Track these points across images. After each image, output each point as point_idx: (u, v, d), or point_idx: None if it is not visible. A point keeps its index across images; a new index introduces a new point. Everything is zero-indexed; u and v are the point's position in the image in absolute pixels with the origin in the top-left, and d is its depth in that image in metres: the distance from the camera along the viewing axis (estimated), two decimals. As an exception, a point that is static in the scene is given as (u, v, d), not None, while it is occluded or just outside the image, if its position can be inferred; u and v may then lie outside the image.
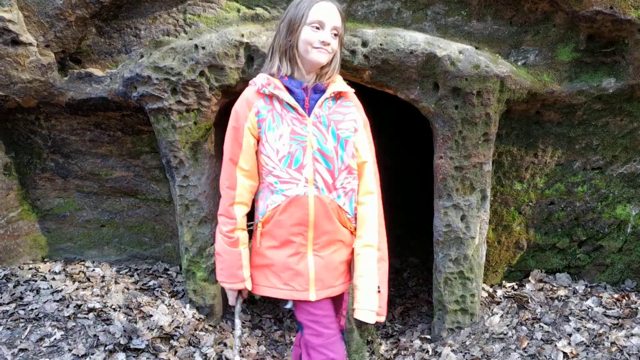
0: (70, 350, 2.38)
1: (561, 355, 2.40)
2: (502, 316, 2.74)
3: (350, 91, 1.86)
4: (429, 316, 3.07)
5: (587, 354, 2.39)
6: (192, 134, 2.59)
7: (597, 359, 2.35)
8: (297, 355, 2.23)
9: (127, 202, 3.23)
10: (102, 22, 2.59)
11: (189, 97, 2.50)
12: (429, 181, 2.75)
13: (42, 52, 2.57)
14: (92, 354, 2.36)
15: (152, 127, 2.66)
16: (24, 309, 2.65)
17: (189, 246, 2.77)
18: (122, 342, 2.46)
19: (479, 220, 2.60)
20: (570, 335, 2.52)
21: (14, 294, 2.77)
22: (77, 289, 2.89)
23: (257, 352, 2.75)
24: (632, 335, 2.44)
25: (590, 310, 2.69)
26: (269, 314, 3.21)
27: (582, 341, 2.46)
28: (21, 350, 2.36)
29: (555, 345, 2.46)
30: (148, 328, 2.61)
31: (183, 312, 2.82)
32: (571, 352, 2.40)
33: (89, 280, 3.03)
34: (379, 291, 1.79)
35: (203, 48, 2.43)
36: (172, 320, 2.73)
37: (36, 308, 2.66)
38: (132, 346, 2.46)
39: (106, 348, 2.40)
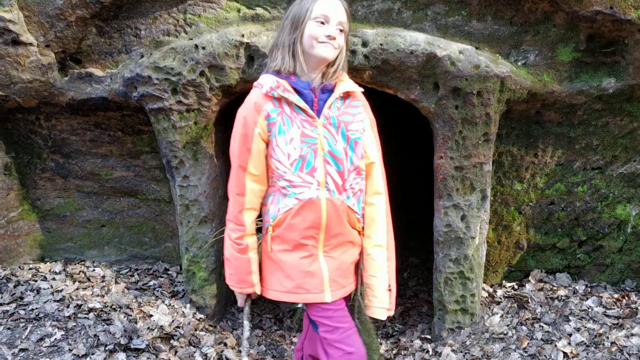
0: (70, 350, 2.38)
1: (561, 355, 2.40)
2: (502, 316, 2.74)
3: (359, 90, 1.83)
4: (429, 316, 3.07)
5: (587, 353, 2.39)
6: (193, 134, 2.59)
7: (597, 358, 2.35)
8: (298, 358, 2.23)
9: (128, 202, 3.23)
10: (103, 22, 2.59)
11: (189, 97, 2.51)
12: (429, 181, 2.75)
13: (42, 52, 2.57)
14: (93, 354, 2.36)
15: (152, 127, 2.66)
16: (24, 309, 2.65)
17: (189, 246, 2.77)
18: (122, 342, 2.46)
19: (479, 220, 2.60)
20: (570, 335, 2.52)
21: (14, 294, 2.77)
22: (77, 289, 2.89)
23: (258, 352, 2.75)
24: (632, 335, 2.45)
25: (590, 310, 2.69)
26: (269, 313, 3.21)
27: (582, 341, 2.46)
28: (21, 350, 2.36)
29: (556, 345, 2.46)
30: (148, 328, 2.62)
31: (183, 312, 2.82)
32: (571, 352, 2.40)
33: (89, 280, 3.04)
34: (389, 289, 1.84)
35: (203, 48, 2.43)
36: (173, 320, 2.73)
37: (36, 308, 2.66)
38: (132, 346, 2.46)
39: (106, 348, 2.41)
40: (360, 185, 1.81)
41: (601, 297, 2.78)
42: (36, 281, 2.93)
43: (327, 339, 1.80)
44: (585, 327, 2.56)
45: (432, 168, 2.58)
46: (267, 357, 2.75)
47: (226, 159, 3.00)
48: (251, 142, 1.72)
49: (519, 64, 2.49)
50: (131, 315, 2.70)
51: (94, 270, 3.16)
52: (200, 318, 2.81)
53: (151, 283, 3.08)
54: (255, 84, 1.79)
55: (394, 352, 2.77)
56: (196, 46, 2.44)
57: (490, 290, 2.97)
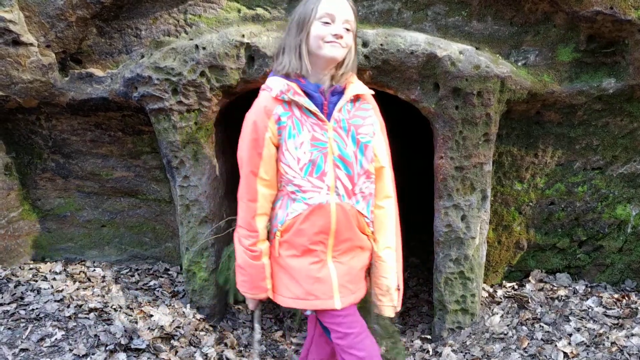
0: (71, 350, 2.38)
1: (561, 355, 2.40)
2: (502, 316, 2.74)
3: (369, 93, 1.81)
4: (430, 316, 3.07)
5: (587, 353, 2.40)
6: (193, 134, 2.59)
7: (597, 359, 2.35)
8: None
9: (128, 202, 3.23)
10: (103, 23, 2.59)
11: (190, 98, 2.51)
12: (429, 181, 2.75)
13: (43, 53, 2.57)
14: (93, 354, 2.37)
15: (152, 128, 2.66)
16: (24, 309, 2.65)
17: (190, 246, 2.77)
18: (122, 342, 2.46)
19: (480, 221, 2.60)
20: (570, 335, 2.53)
21: (15, 294, 2.77)
22: (77, 289, 2.89)
23: (258, 352, 2.75)
24: (633, 335, 2.45)
25: (590, 310, 2.69)
26: (270, 313, 3.21)
27: (583, 341, 2.47)
28: (22, 350, 2.37)
29: (556, 345, 2.46)
30: (149, 328, 2.62)
31: (184, 312, 2.82)
32: (571, 352, 2.41)
33: (89, 280, 3.04)
34: (398, 288, 1.86)
35: (204, 48, 2.43)
36: (173, 320, 2.73)
37: (37, 308, 2.66)
38: (132, 346, 2.47)
39: (107, 348, 2.41)
40: (370, 189, 1.79)
41: (601, 297, 2.79)
42: (36, 281, 2.93)
43: (339, 345, 1.80)
44: (586, 327, 2.56)
45: (432, 168, 2.58)
46: (267, 357, 2.75)
47: (226, 159, 3.00)
48: (262, 147, 1.69)
49: (519, 64, 2.49)
50: (131, 316, 2.70)
51: (94, 270, 3.16)
52: (201, 318, 2.82)
53: (151, 283, 3.08)
54: (263, 86, 1.75)
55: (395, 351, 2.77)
56: (196, 46, 2.44)
57: (491, 290, 2.97)
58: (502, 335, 2.62)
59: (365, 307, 1.93)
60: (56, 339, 2.46)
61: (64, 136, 2.99)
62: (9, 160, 3.08)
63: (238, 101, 2.84)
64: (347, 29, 1.66)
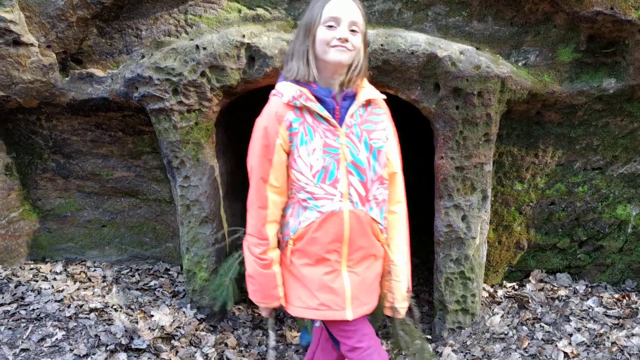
0: (71, 350, 2.38)
1: (562, 355, 2.41)
2: (502, 316, 2.74)
3: (381, 97, 1.77)
4: (430, 316, 3.07)
5: (587, 353, 2.40)
6: (193, 134, 2.59)
7: (597, 358, 2.35)
8: None
9: (128, 202, 3.23)
10: (104, 23, 2.59)
11: (190, 98, 2.51)
12: (429, 181, 2.75)
13: (43, 53, 2.57)
14: (94, 354, 2.37)
15: (153, 128, 2.66)
16: (25, 309, 2.65)
17: (190, 246, 2.77)
18: (123, 342, 2.46)
19: (480, 221, 2.61)
20: (570, 335, 2.53)
21: (15, 294, 2.77)
22: (78, 289, 2.89)
23: (259, 352, 2.75)
24: (633, 335, 2.45)
25: (590, 310, 2.69)
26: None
27: (583, 341, 2.47)
28: (23, 350, 2.37)
29: (556, 345, 2.46)
30: (149, 328, 2.62)
31: (184, 312, 2.82)
32: (572, 352, 2.41)
33: (90, 280, 3.04)
34: (408, 290, 1.87)
35: (204, 48, 2.43)
36: (173, 320, 2.73)
37: (37, 308, 2.66)
38: (133, 346, 2.47)
39: (107, 348, 2.41)
40: (384, 196, 1.76)
41: (602, 297, 2.79)
42: (37, 281, 2.93)
43: (349, 356, 1.78)
44: (586, 327, 2.56)
45: (433, 168, 2.58)
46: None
47: (227, 159, 3.00)
48: (273, 153, 1.65)
49: (520, 64, 2.49)
50: (132, 316, 2.70)
51: (94, 270, 3.16)
52: (201, 318, 2.82)
53: (152, 283, 3.08)
54: (273, 92, 1.72)
55: (395, 352, 2.77)
56: (197, 47, 2.44)
57: (491, 290, 2.97)
58: (502, 335, 2.62)
59: (380, 316, 1.92)
60: (57, 339, 2.46)
61: (65, 136, 2.99)
62: (10, 161, 3.08)
63: (238, 101, 2.84)
64: (354, 31, 1.61)
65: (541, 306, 2.75)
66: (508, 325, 2.67)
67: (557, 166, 2.76)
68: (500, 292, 2.94)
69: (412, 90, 2.43)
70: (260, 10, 2.53)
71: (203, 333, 2.74)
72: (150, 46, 2.61)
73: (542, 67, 2.49)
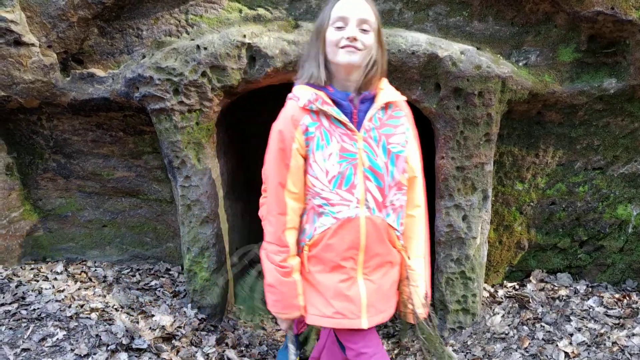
0: (72, 350, 2.38)
1: (562, 355, 2.41)
2: (503, 316, 2.74)
3: (401, 99, 1.72)
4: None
5: (588, 353, 2.40)
6: (194, 134, 2.59)
7: (598, 358, 2.35)
8: None
9: (129, 202, 3.23)
10: (104, 23, 2.59)
11: (191, 98, 2.51)
12: (430, 181, 2.75)
13: (44, 53, 2.57)
14: (95, 354, 2.37)
15: (154, 128, 2.67)
16: (26, 309, 2.65)
17: (191, 246, 2.77)
18: (124, 342, 2.47)
19: (481, 221, 2.61)
20: (571, 335, 2.53)
21: (16, 294, 2.77)
22: (79, 289, 2.89)
23: (259, 352, 2.75)
24: (634, 335, 2.45)
25: (591, 310, 2.69)
26: (271, 313, 3.21)
27: (584, 341, 2.47)
28: (24, 350, 2.37)
29: (557, 345, 2.46)
30: (150, 328, 2.62)
31: (185, 312, 2.82)
32: (572, 352, 2.41)
33: (90, 280, 3.04)
34: (426, 295, 1.81)
35: (205, 49, 2.43)
36: (174, 320, 2.73)
37: (38, 308, 2.66)
38: (134, 346, 2.47)
39: (108, 348, 2.41)
40: (401, 201, 1.71)
41: (602, 297, 2.79)
42: (38, 281, 2.93)
43: None
44: (587, 327, 2.56)
45: (434, 168, 2.58)
46: (268, 357, 2.75)
47: (228, 159, 3.01)
48: (289, 158, 1.61)
49: (520, 64, 2.49)
50: (133, 315, 2.70)
51: (95, 270, 3.16)
52: (202, 318, 2.82)
53: (153, 283, 3.08)
54: (290, 95, 1.68)
55: (396, 352, 2.77)
56: (198, 47, 2.44)
57: (492, 290, 2.97)
58: (503, 335, 2.62)
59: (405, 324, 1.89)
60: (57, 338, 2.46)
61: (65, 136, 2.99)
62: (10, 161, 3.08)
63: (239, 101, 2.85)
64: (365, 30, 1.56)
65: (542, 306, 2.75)
66: (509, 325, 2.67)
67: (557, 166, 2.76)
68: (500, 292, 2.94)
69: (412, 90, 2.43)
70: (261, 10, 2.53)
71: (204, 333, 2.74)
72: (151, 46, 2.61)
73: (543, 67, 2.49)
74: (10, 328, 2.49)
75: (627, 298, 2.76)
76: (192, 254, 2.78)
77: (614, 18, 2.28)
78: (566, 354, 2.41)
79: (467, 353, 2.57)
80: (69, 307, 2.69)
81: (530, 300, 2.79)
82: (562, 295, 2.82)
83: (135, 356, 2.43)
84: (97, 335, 2.49)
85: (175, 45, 2.50)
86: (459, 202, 2.55)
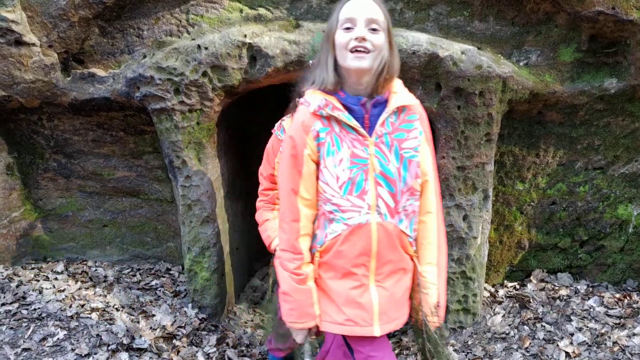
0: (73, 350, 2.39)
1: (563, 354, 2.41)
2: (504, 316, 2.74)
3: (416, 103, 1.68)
4: (431, 316, 3.07)
5: (589, 353, 2.40)
6: (195, 134, 2.59)
7: (599, 358, 2.35)
8: None
9: (130, 202, 3.23)
10: (105, 23, 2.59)
11: (192, 98, 2.51)
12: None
13: (45, 53, 2.57)
14: (95, 354, 2.37)
15: (154, 127, 2.67)
16: (26, 309, 2.65)
17: (191, 246, 2.77)
18: (124, 341, 2.47)
19: (481, 220, 2.61)
20: (572, 334, 2.53)
21: (17, 293, 2.77)
22: (79, 288, 2.89)
23: (260, 352, 2.75)
24: (634, 335, 2.45)
25: (592, 310, 2.69)
26: (271, 313, 3.21)
27: (584, 341, 2.47)
28: (24, 349, 2.37)
29: (558, 345, 2.46)
30: (150, 328, 2.62)
31: (185, 311, 2.82)
32: (573, 352, 2.41)
33: (91, 280, 3.04)
34: (438, 305, 1.75)
35: (206, 48, 2.43)
36: (175, 320, 2.73)
37: (39, 308, 2.66)
38: (134, 346, 2.47)
39: (109, 347, 2.41)
40: (414, 207, 1.67)
41: (603, 297, 2.79)
42: (38, 281, 2.93)
43: None
44: (587, 326, 2.56)
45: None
46: (268, 357, 2.75)
47: (228, 159, 3.01)
48: (302, 164, 1.59)
49: (521, 64, 2.49)
50: (133, 315, 2.70)
51: (96, 270, 3.16)
52: (202, 318, 2.82)
53: (153, 283, 3.08)
54: (301, 101, 1.65)
55: (396, 352, 2.77)
56: (199, 46, 2.44)
57: (492, 290, 2.97)
58: (503, 335, 2.62)
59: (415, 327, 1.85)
60: (58, 338, 2.46)
61: (66, 136, 2.99)
62: (11, 160, 3.09)
63: (240, 101, 2.85)
64: (375, 30, 1.51)
65: (542, 306, 2.75)
66: (509, 325, 2.67)
67: (558, 166, 2.76)
68: (501, 292, 2.94)
69: (413, 90, 2.42)
70: (261, 10, 2.53)
71: (204, 333, 2.74)
72: (151, 46, 2.61)
73: (544, 67, 2.49)
74: (11, 328, 2.49)
75: (628, 298, 2.76)
76: (192, 254, 2.78)
77: (614, 18, 2.28)
78: (567, 353, 2.41)
79: (467, 353, 2.57)
80: (70, 306, 2.69)
81: (531, 300, 2.79)
82: (563, 295, 2.82)
83: (136, 356, 2.43)
84: (97, 335, 2.49)
85: (176, 45, 2.51)
86: (459, 201, 2.55)
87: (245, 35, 2.42)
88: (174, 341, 2.60)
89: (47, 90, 2.67)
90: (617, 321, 2.58)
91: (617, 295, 2.79)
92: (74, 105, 2.76)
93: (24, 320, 2.57)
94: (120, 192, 3.20)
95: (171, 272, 3.24)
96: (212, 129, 2.65)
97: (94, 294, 2.85)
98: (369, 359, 1.70)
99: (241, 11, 2.55)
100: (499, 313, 2.76)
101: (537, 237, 2.93)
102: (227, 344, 2.72)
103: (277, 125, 2.27)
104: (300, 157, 1.59)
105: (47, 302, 2.71)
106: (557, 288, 2.88)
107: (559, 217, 2.88)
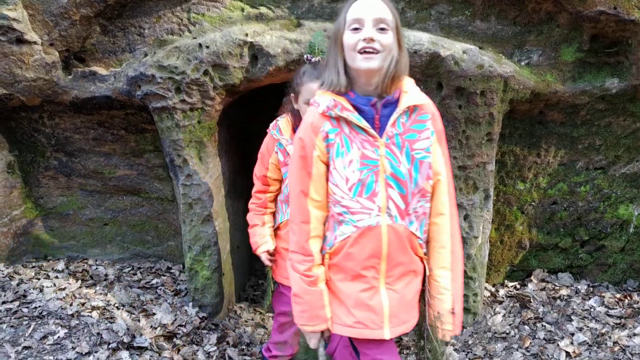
0: (73, 348, 2.39)
1: (564, 354, 2.41)
2: (504, 315, 2.74)
3: (427, 102, 1.65)
4: (431, 315, 3.07)
5: (589, 353, 2.40)
6: (196, 132, 2.59)
7: (599, 358, 2.35)
8: None
9: (130, 201, 3.23)
10: (107, 21, 2.59)
11: (193, 96, 2.51)
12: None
13: (46, 51, 2.57)
14: (96, 352, 2.37)
15: (155, 126, 2.67)
16: (27, 307, 2.65)
17: (192, 245, 2.77)
18: (125, 340, 2.47)
19: (482, 220, 2.61)
20: (572, 334, 2.53)
21: (18, 292, 2.77)
22: (80, 287, 2.90)
23: (259, 351, 2.75)
24: (635, 335, 2.45)
25: (592, 309, 2.69)
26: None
27: (585, 341, 2.47)
28: (25, 348, 2.37)
29: (558, 345, 2.46)
30: (151, 326, 2.62)
31: (186, 310, 2.82)
32: (574, 352, 2.41)
33: (92, 278, 3.04)
34: (452, 311, 1.70)
35: (207, 47, 2.43)
36: (175, 319, 2.73)
37: (40, 306, 2.66)
38: (135, 344, 2.47)
39: (110, 346, 2.41)
40: (425, 209, 1.65)
41: (603, 297, 2.79)
42: (39, 279, 2.93)
43: None
44: (588, 326, 2.56)
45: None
46: (269, 355, 2.75)
47: (229, 157, 3.01)
48: (311, 166, 1.58)
49: (523, 63, 2.49)
50: (134, 314, 2.70)
51: (96, 268, 3.16)
52: (203, 316, 2.82)
53: (154, 281, 3.08)
54: (311, 101, 1.64)
55: (396, 351, 2.78)
56: (200, 45, 2.44)
57: (493, 289, 2.97)
58: (504, 335, 2.62)
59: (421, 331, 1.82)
60: (59, 336, 2.46)
61: (67, 134, 2.99)
62: (12, 159, 3.09)
63: (241, 100, 2.85)
64: (383, 29, 1.49)
65: (543, 306, 2.75)
66: (510, 325, 2.67)
67: (559, 166, 2.76)
68: (502, 292, 2.94)
69: (414, 89, 2.43)
70: (263, 9, 2.53)
71: (205, 331, 2.74)
72: (153, 44, 2.61)
73: (545, 67, 2.49)
74: (12, 326, 2.50)
75: (628, 298, 2.76)
76: (193, 253, 2.78)
77: (616, 18, 2.28)
78: (567, 353, 2.41)
79: (468, 352, 2.57)
80: (70, 305, 2.69)
81: (532, 300, 2.79)
82: (563, 295, 2.82)
83: (137, 354, 2.43)
84: (98, 333, 2.49)
85: (178, 43, 2.50)
86: (460, 201, 2.55)
87: (246, 34, 2.42)
88: (175, 340, 2.60)
89: (48, 88, 2.67)
90: (618, 321, 2.58)
91: (618, 296, 2.79)
92: (75, 104, 2.76)
93: (25, 318, 2.57)
94: (121, 190, 3.20)
95: (172, 270, 3.24)
96: (213, 127, 2.65)
97: (95, 292, 2.85)
98: None
99: (242, 10, 2.55)
100: (499, 313, 2.76)
101: (537, 236, 2.93)
102: (228, 343, 2.72)
103: (272, 124, 2.24)
104: (309, 158, 1.57)
105: (48, 300, 2.71)
106: (557, 288, 2.89)
107: (559, 217, 2.88)
